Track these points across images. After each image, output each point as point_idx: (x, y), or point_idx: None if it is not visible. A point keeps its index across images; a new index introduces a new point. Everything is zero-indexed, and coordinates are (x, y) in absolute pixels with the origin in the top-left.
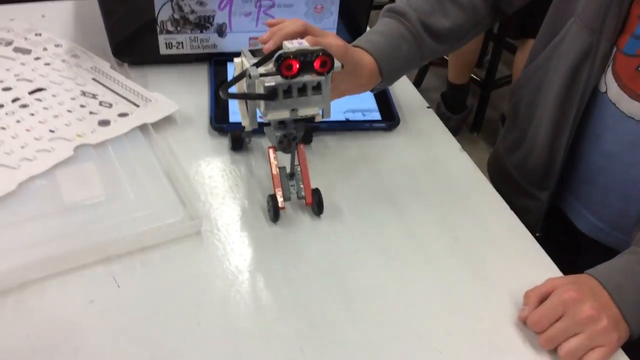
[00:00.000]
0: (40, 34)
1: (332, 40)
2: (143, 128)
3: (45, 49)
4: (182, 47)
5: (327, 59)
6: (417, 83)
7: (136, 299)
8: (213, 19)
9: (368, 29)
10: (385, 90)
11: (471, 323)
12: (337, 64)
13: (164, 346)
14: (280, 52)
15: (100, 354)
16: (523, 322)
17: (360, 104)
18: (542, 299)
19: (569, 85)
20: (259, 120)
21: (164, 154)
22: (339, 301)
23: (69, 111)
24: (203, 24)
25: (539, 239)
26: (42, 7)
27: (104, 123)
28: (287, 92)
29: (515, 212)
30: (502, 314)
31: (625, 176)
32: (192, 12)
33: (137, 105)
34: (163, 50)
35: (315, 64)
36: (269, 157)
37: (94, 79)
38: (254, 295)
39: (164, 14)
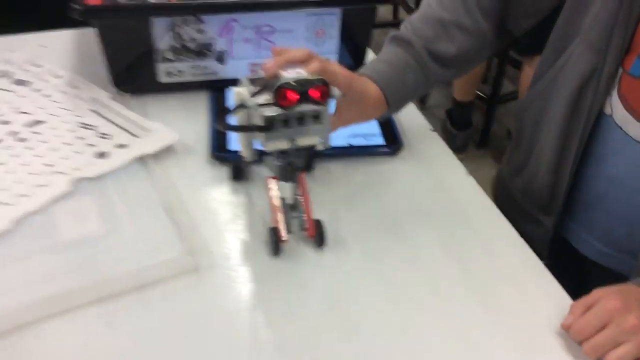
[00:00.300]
0: (40, 66)
1: (338, 69)
2: (142, 159)
3: (45, 81)
4: (183, 75)
5: (325, 88)
6: (422, 101)
7: (132, 340)
8: (213, 46)
9: (370, 52)
10: None
11: (483, 358)
12: (336, 92)
13: None
14: (278, 83)
15: None
16: (566, 330)
17: (363, 129)
18: (588, 310)
19: (573, 107)
20: (259, 148)
21: (163, 185)
22: (343, 337)
23: (67, 144)
24: (203, 51)
25: (545, 266)
26: (43, 37)
27: (103, 155)
28: (286, 122)
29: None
30: (513, 347)
31: (631, 201)
32: (192, 40)
33: (137, 136)
34: (163, 79)
35: (313, 94)
36: (269, 187)
37: (93, 110)
38: (254, 333)
39: (163, 42)
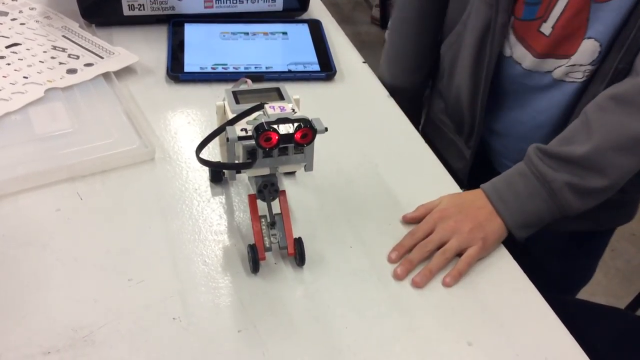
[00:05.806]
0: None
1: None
2: (106, 76)
3: (20, 12)
4: (143, 8)
5: (308, 131)
6: None
7: (95, 209)
8: None
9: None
10: (325, 45)
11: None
12: (320, 128)
13: (117, 245)
14: (258, 123)
15: (64, 249)
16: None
17: (303, 58)
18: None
19: (477, 54)
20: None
21: (125, 97)
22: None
23: (41, 62)
24: None
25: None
26: None
27: (72, 71)
28: (268, 153)
29: (448, 170)
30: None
31: (535, 122)
32: None
33: (102, 57)
34: (126, 12)
35: (296, 137)
36: (249, 205)
37: (63, 36)
38: (200, 210)
39: None
